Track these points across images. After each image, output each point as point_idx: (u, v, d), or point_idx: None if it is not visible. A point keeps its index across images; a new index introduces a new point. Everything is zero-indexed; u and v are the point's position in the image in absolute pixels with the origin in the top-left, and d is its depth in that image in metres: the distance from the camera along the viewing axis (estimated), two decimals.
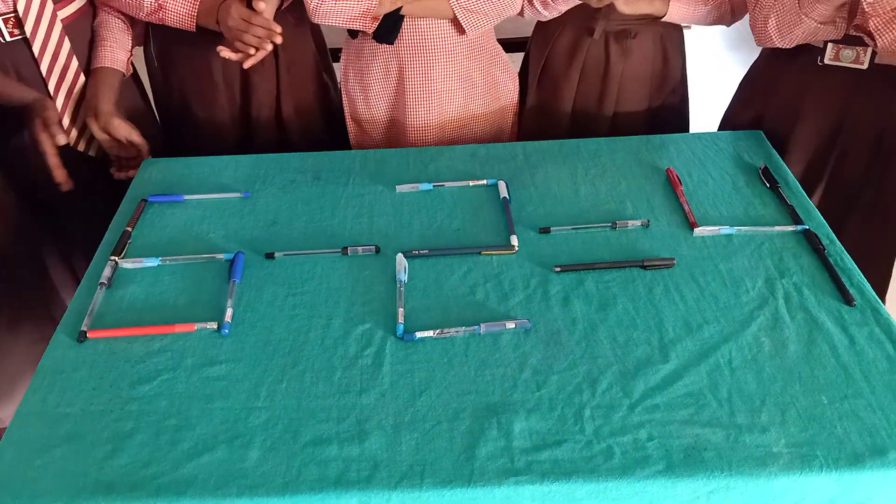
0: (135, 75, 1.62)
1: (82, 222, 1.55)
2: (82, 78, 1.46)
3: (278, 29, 1.47)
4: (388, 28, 1.41)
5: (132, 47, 1.54)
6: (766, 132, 1.46)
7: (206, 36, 1.46)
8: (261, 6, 1.49)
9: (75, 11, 1.44)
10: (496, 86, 1.58)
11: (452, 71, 1.51)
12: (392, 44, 1.44)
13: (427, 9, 1.42)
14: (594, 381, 0.99)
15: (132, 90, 1.59)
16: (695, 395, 0.96)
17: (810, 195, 1.35)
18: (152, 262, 1.19)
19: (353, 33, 1.50)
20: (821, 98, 1.39)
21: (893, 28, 1.19)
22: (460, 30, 1.47)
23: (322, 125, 1.67)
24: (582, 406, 0.96)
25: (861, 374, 0.98)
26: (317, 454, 0.91)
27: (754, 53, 1.54)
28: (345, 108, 1.60)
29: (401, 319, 1.07)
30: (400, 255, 1.16)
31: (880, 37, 1.21)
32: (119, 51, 1.48)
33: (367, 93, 1.56)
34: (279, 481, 0.88)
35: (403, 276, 1.13)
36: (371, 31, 1.43)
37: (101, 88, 1.44)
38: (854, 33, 1.28)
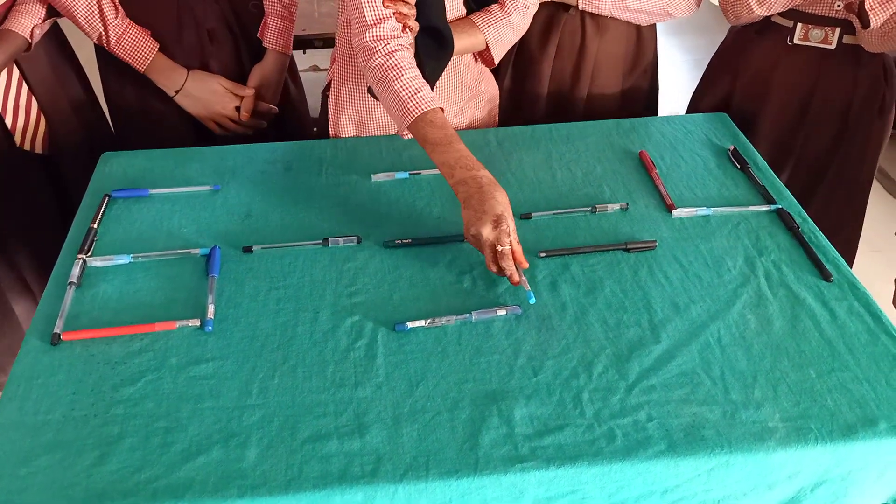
0: (72, 56, 1.55)
1: (19, 221, 1.49)
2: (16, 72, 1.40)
3: (269, 117, 1.55)
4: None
5: (46, 18, 1.44)
6: (734, 111, 1.49)
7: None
8: (248, 92, 1.53)
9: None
10: (487, 101, 1.53)
11: (459, 101, 1.45)
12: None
13: (460, 49, 1.33)
14: (589, 365, 0.99)
15: (73, 81, 1.52)
16: (689, 374, 0.98)
17: (778, 173, 1.38)
18: (123, 259, 1.14)
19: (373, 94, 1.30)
20: (789, 77, 1.43)
21: (889, 7, 1.20)
22: (486, 60, 1.42)
23: (279, 117, 1.63)
24: (580, 390, 0.96)
25: (845, 347, 1.01)
26: (317, 450, 0.89)
27: (716, 38, 1.57)
28: (330, 132, 1.49)
29: (527, 286, 1.06)
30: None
31: (875, 16, 1.22)
32: (26, 17, 1.40)
33: (366, 125, 1.46)
34: (281, 480, 0.86)
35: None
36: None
37: None
38: (841, 14, 1.30)
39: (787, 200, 1.26)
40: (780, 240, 1.19)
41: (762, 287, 1.10)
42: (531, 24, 1.48)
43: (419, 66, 1.23)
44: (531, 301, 1.05)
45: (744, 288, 1.10)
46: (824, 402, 0.94)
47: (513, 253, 1.07)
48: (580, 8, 1.46)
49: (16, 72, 1.44)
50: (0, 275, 1.55)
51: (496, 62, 1.41)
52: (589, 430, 0.91)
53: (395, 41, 1.19)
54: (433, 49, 1.28)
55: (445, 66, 1.31)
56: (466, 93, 1.45)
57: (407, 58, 1.18)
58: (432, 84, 1.29)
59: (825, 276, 1.11)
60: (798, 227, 1.20)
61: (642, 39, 1.55)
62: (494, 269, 1.08)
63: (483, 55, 1.42)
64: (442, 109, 1.16)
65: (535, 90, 1.58)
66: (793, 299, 1.08)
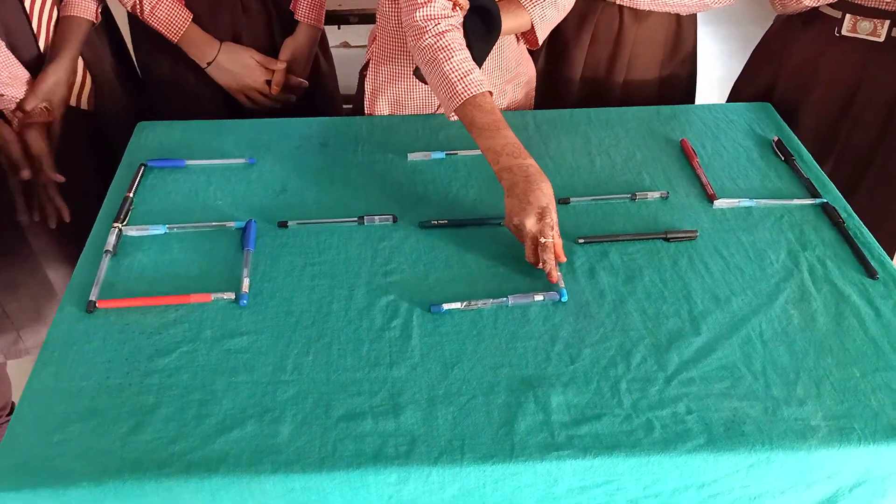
0: (111, 23, 1.54)
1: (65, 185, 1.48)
2: None
3: (299, 91, 1.54)
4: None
5: None
6: (777, 102, 1.46)
7: None
8: (280, 66, 1.51)
9: None
10: (526, 84, 1.51)
11: (489, 78, 1.39)
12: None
13: (507, 29, 1.30)
14: (628, 354, 0.97)
15: (105, 49, 1.51)
16: (729, 368, 0.96)
17: (821, 165, 1.35)
18: (159, 230, 1.13)
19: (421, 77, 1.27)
20: (834, 68, 1.39)
21: None
22: (531, 41, 1.40)
23: (309, 91, 1.62)
24: (618, 379, 0.94)
25: (890, 347, 0.99)
26: (351, 429, 0.88)
27: (758, 28, 1.53)
28: (365, 111, 1.46)
29: (561, 283, 1.05)
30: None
31: None
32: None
33: (404, 107, 1.44)
34: (315, 457, 0.85)
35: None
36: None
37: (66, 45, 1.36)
38: (892, 7, 1.26)
39: (832, 194, 1.24)
40: (825, 235, 1.16)
41: (805, 282, 1.08)
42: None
43: (467, 47, 1.21)
44: (563, 299, 1.04)
45: (786, 282, 1.08)
46: (868, 401, 0.92)
47: (555, 244, 1.05)
48: (616, 2, 1.43)
49: (55, 11, 1.42)
50: (35, 235, 1.54)
51: (540, 42, 1.39)
52: (627, 421, 0.90)
53: (446, 21, 1.17)
54: (480, 30, 1.25)
55: (492, 48, 1.29)
56: (506, 74, 1.43)
57: (458, 39, 1.16)
58: (479, 65, 1.26)
59: (870, 273, 1.09)
60: (843, 223, 1.17)
61: (682, 28, 1.52)
62: (533, 260, 1.06)
63: (527, 35, 1.40)
64: (491, 93, 1.14)
65: (569, 75, 1.55)
66: (837, 296, 1.06)
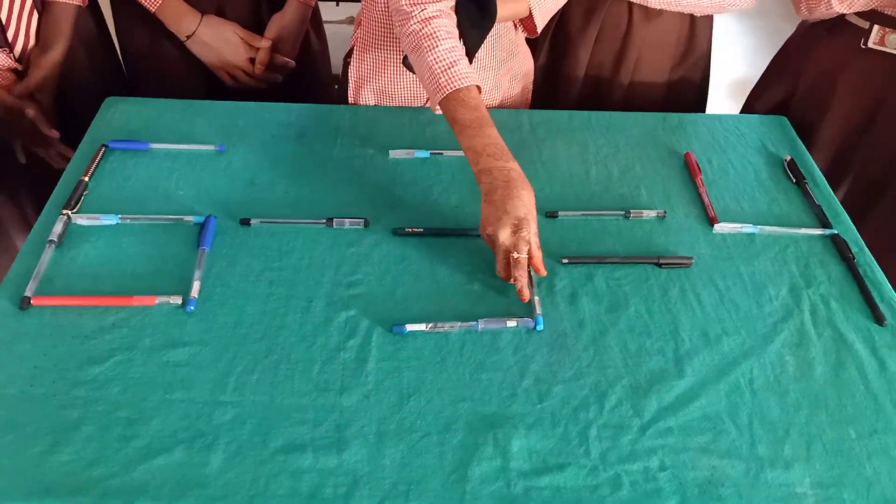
0: None
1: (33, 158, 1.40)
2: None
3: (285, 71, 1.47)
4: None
5: None
6: (793, 115, 1.35)
7: None
8: (264, 44, 1.42)
9: None
10: (523, 78, 1.41)
11: (494, 76, 1.33)
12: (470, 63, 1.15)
13: (504, 16, 1.21)
14: (602, 396, 0.89)
15: (85, 16, 1.42)
16: (712, 418, 0.87)
17: (834, 187, 1.25)
18: (110, 220, 1.05)
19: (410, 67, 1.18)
20: (857, 82, 1.29)
21: None
22: (529, 28, 1.30)
23: (297, 70, 1.52)
24: (588, 424, 0.86)
25: (892, 406, 0.90)
26: (289, 463, 0.80)
27: (772, 40, 1.42)
28: (349, 99, 1.37)
29: (538, 309, 0.96)
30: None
31: None
32: None
33: (391, 98, 1.34)
34: (244, 494, 0.77)
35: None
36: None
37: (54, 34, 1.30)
38: None
39: (844, 225, 1.14)
40: (832, 270, 1.06)
41: (806, 324, 0.99)
42: (573, 4, 1.35)
43: (460, 34, 1.11)
44: (539, 327, 0.95)
45: (785, 323, 0.98)
46: (862, 468, 0.83)
47: (531, 259, 0.96)
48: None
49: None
50: (4, 214, 1.47)
51: (539, 30, 1.28)
52: (592, 474, 0.81)
53: (434, 6, 1.07)
54: (475, 16, 1.15)
55: (486, 36, 1.19)
56: (500, 65, 1.33)
57: (445, 26, 1.07)
58: (472, 55, 1.17)
59: (878, 318, 0.99)
60: (853, 258, 1.07)
61: (696, 29, 1.40)
62: (504, 275, 0.98)
63: (525, 23, 1.29)
64: (479, 88, 1.04)
65: (572, 72, 1.45)
66: (839, 342, 0.97)
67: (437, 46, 1.04)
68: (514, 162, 0.99)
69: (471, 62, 1.16)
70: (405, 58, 1.17)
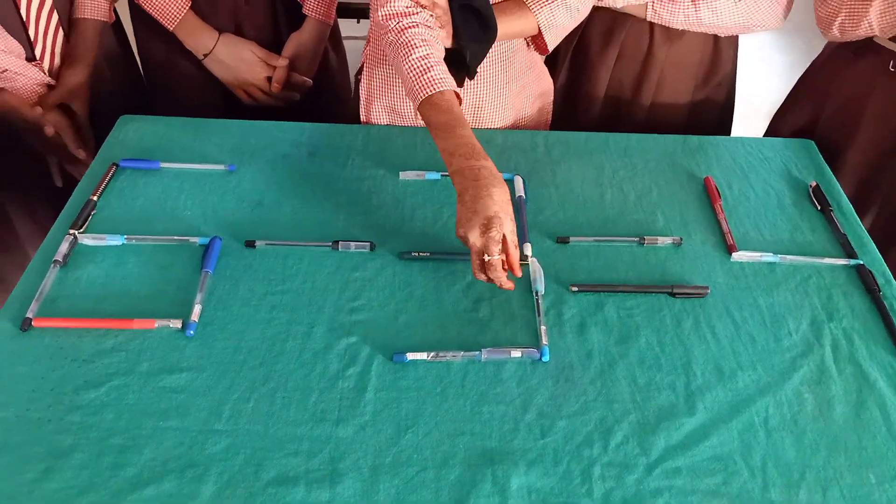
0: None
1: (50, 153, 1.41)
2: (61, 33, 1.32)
3: (303, 90, 1.46)
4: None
5: None
6: (819, 139, 1.31)
7: None
8: (281, 63, 1.42)
9: None
10: (538, 98, 1.38)
11: (504, 97, 1.30)
12: (472, 78, 1.19)
13: (510, 32, 1.19)
14: (608, 432, 0.85)
15: (108, 33, 1.43)
16: (724, 459, 0.83)
17: (859, 214, 1.20)
18: (116, 241, 1.05)
19: None
20: (885, 107, 1.24)
21: None
22: (540, 47, 1.27)
23: (316, 89, 1.51)
24: (592, 462, 0.82)
25: None
26: (280, 496, 0.78)
27: (808, 57, 1.38)
28: (361, 117, 1.36)
29: (544, 339, 0.94)
30: (534, 261, 1.03)
31: None
32: None
33: (401, 115, 1.33)
34: None
35: (540, 286, 1.00)
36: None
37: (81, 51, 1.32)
38: None
39: (871, 255, 1.09)
40: (856, 303, 1.02)
41: (826, 360, 0.94)
42: (593, 24, 1.32)
43: (459, 48, 1.10)
44: (544, 358, 0.92)
45: (804, 359, 0.94)
46: None
47: (507, 257, 0.94)
48: (648, 20, 1.29)
49: (55, 17, 1.36)
50: (22, 225, 1.48)
51: (550, 49, 1.26)
52: None
53: (409, 18, 1.07)
54: (475, 30, 1.13)
55: (488, 50, 1.17)
56: (513, 83, 1.30)
57: (419, 35, 1.06)
58: (474, 69, 1.15)
59: None
60: (879, 290, 1.03)
61: (720, 49, 1.37)
62: (483, 277, 0.95)
63: (536, 41, 1.27)
64: (457, 93, 1.04)
65: (591, 93, 1.42)
66: (861, 380, 0.92)
67: (411, 55, 1.04)
68: (485, 160, 0.98)
69: (472, 77, 1.15)
70: None
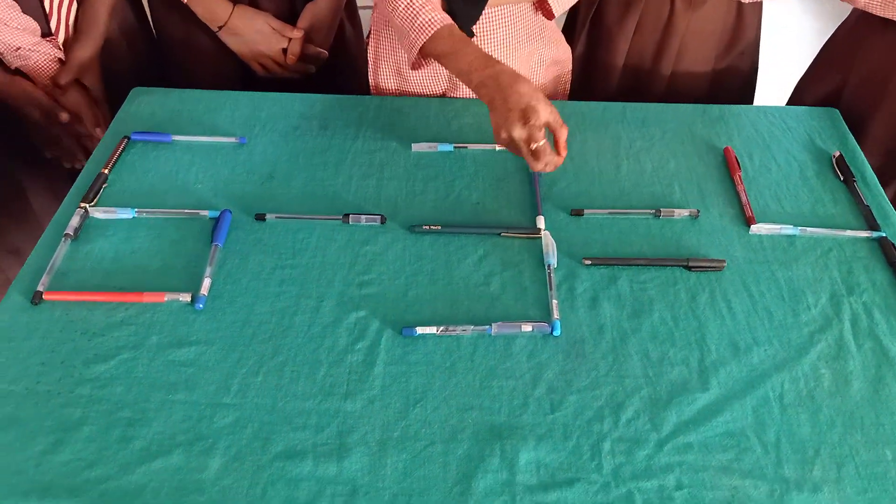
0: None
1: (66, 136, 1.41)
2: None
3: (318, 62, 1.44)
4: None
5: None
6: (843, 109, 1.27)
7: None
8: (297, 34, 1.39)
9: None
10: (552, 64, 1.35)
11: (513, 57, 1.27)
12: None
13: None
14: (618, 407, 0.84)
15: (125, 8, 1.42)
16: (736, 435, 0.82)
17: (885, 187, 1.17)
18: (126, 214, 1.04)
19: None
20: None
21: None
22: (546, 11, 1.24)
23: (331, 61, 1.50)
24: (601, 437, 0.81)
25: None
26: (288, 470, 0.78)
27: (836, 23, 1.33)
28: (370, 80, 1.36)
29: (556, 314, 0.93)
30: (547, 234, 1.02)
31: None
32: None
33: (406, 78, 1.32)
34: (241, 500, 0.76)
35: (553, 259, 0.99)
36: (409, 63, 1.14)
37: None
38: None
39: (894, 228, 1.06)
40: (877, 276, 0.99)
41: (845, 334, 0.92)
42: None
43: (451, 8, 1.11)
44: (556, 333, 0.91)
45: (822, 333, 0.92)
46: None
47: (557, 138, 0.99)
48: None
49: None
50: (36, 197, 1.49)
51: (555, 13, 1.23)
52: (603, 491, 0.77)
53: None
54: None
55: (480, 11, 1.15)
56: (522, 48, 1.27)
57: None
58: (467, 30, 1.14)
59: None
60: None
61: (743, 16, 1.32)
62: (540, 167, 0.98)
63: (542, 6, 1.24)
64: (450, 27, 1.05)
65: (610, 62, 1.38)
66: (880, 355, 0.90)
67: (397, 8, 1.06)
68: (501, 65, 1.00)
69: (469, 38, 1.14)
70: None
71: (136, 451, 0.79)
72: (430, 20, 1.04)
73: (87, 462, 0.78)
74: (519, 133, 0.95)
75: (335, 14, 1.46)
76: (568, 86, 1.41)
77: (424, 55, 1.07)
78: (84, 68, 1.30)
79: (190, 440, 0.80)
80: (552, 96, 1.37)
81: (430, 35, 1.03)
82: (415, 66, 1.11)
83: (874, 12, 1.16)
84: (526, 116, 0.94)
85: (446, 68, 1.05)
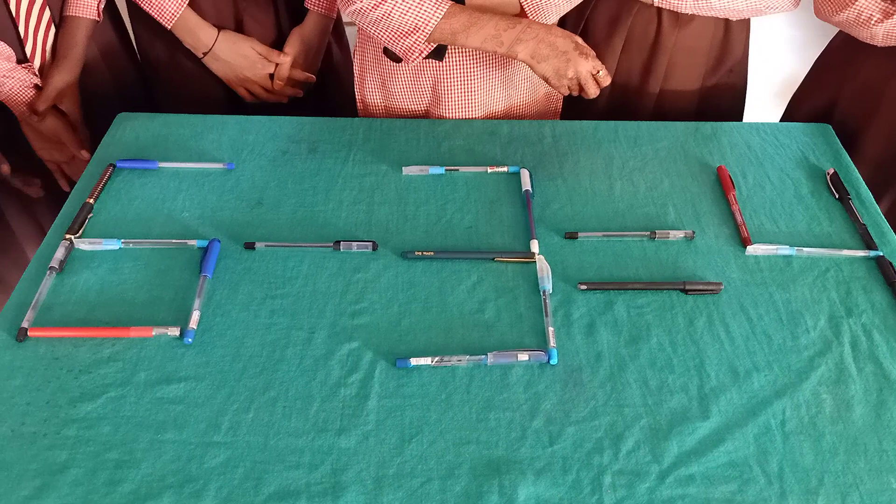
0: (112, 6, 1.43)
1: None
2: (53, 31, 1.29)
3: (306, 86, 1.44)
4: (438, 47, 1.15)
5: None
6: (836, 124, 1.26)
7: None
8: (283, 59, 1.38)
9: None
10: (540, 82, 1.34)
11: (494, 73, 1.26)
12: (441, 59, 1.19)
13: (487, 4, 1.15)
14: (618, 438, 0.83)
15: (107, 30, 1.40)
16: (739, 465, 0.80)
17: (879, 201, 1.16)
18: (112, 245, 1.02)
19: (393, 54, 1.21)
20: None
21: None
22: None
23: (320, 84, 1.48)
24: (602, 470, 0.80)
25: None
26: None
27: (823, 32, 1.32)
28: (356, 95, 1.36)
29: (552, 341, 0.91)
30: (542, 259, 1.01)
31: None
32: None
33: (390, 91, 1.31)
34: None
35: (548, 285, 0.97)
36: (412, 61, 1.15)
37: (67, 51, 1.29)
38: None
39: (891, 246, 1.05)
40: (876, 297, 0.98)
41: (845, 358, 0.91)
42: (598, 11, 1.28)
43: None
44: (552, 361, 0.89)
45: (822, 357, 0.91)
46: None
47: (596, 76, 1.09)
48: (656, 5, 1.24)
49: (47, 13, 1.33)
50: (19, 227, 1.46)
51: None
52: None
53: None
54: None
55: None
56: (507, 67, 1.26)
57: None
58: (442, 51, 1.17)
59: None
60: None
61: (731, 34, 1.31)
62: (596, 91, 1.09)
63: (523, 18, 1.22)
64: (455, 4, 1.09)
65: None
66: (881, 379, 0.89)
67: (389, 11, 1.08)
68: (525, 18, 1.08)
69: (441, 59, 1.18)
70: (384, 48, 1.19)
71: (124, 495, 0.77)
72: (437, 3, 1.07)
73: None
74: (585, 66, 1.04)
75: (322, 37, 1.44)
76: (560, 105, 1.39)
77: (434, 39, 1.09)
78: (62, 94, 1.29)
79: (180, 482, 0.78)
80: (543, 116, 1.36)
81: (443, 13, 1.06)
82: (413, 57, 1.12)
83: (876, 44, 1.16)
84: (581, 50, 1.03)
85: (466, 45, 1.08)
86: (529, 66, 1.08)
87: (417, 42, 1.07)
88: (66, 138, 1.30)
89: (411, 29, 1.06)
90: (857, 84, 1.24)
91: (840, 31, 1.29)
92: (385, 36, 1.12)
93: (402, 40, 1.10)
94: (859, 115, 1.25)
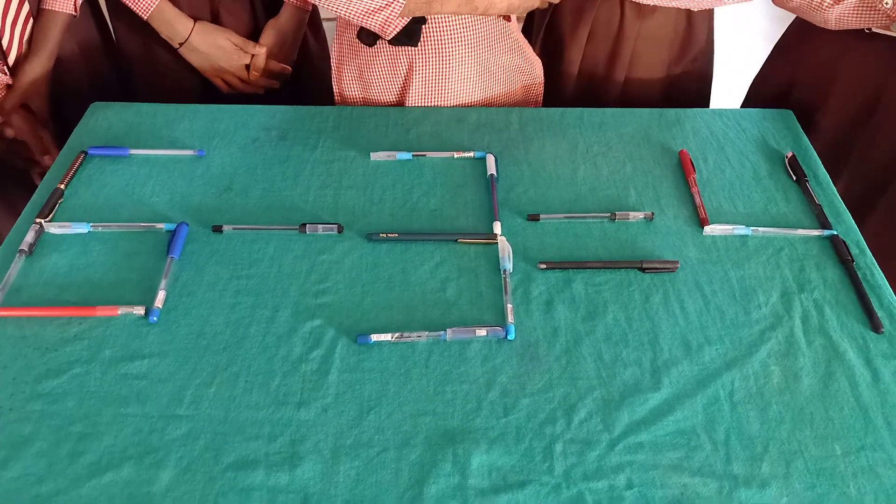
0: (93, 1, 1.45)
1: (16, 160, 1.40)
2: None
3: (282, 77, 1.45)
4: (411, 30, 1.16)
5: None
6: (793, 105, 1.29)
7: None
8: (259, 50, 1.39)
9: None
10: (518, 73, 1.36)
11: (470, 63, 1.28)
12: (416, 45, 1.20)
13: None
14: (571, 409, 0.85)
15: (86, 23, 1.41)
16: (687, 433, 0.83)
17: (835, 181, 1.18)
18: (82, 228, 1.04)
19: (367, 37, 1.20)
20: (859, 69, 1.22)
21: None
22: (504, 16, 1.26)
23: (296, 76, 1.50)
24: (554, 439, 0.82)
25: (883, 420, 0.84)
26: (239, 480, 0.78)
27: (790, 18, 1.35)
28: (334, 88, 1.37)
29: (510, 318, 0.93)
30: (503, 240, 1.03)
31: None
32: None
33: (368, 82, 1.33)
34: None
35: (508, 264, 0.99)
36: (389, 35, 1.15)
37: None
38: None
39: (846, 225, 1.07)
40: (828, 274, 1.00)
41: (796, 332, 0.93)
42: (564, 2, 1.30)
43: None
44: (510, 336, 0.91)
45: (773, 331, 0.93)
46: (846, 487, 0.78)
47: None
48: None
49: (26, 7, 1.34)
50: None
51: (512, 16, 1.25)
52: (554, 492, 0.77)
53: None
54: None
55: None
56: (482, 55, 1.28)
57: None
58: (416, 38, 1.17)
59: (875, 325, 0.93)
60: (852, 261, 1.01)
61: (693, 24, 1.34)
62: None
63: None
64: None
65: (566, 72, 1.40)
66: (830, 351, 0.91)
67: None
68: None
69: (415, 43, 1.19)
70: (359, 31, 1.19)
71: (86, 466, 0.79)
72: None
73: (37, 477, 0.77)
74: None
75: (298, 29, 1.46)
76: (540, 99, 1.41)
77: (410, 11, 1.11)
78: (31, 90, 1.30)
79: (141, 453, 0.80)
80: (524, 104, 1.38)
81: (401, 8, 1.07)
82: (390, 30, 1.14)
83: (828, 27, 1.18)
84: None
85: (441, 11, 1.12)
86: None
87: (392, 13, 1.08)
88: (31, 141, 1.31)
89: (386, 2, 1.07)
90: (812, 66, 1.27)
91: (795, 18, 1.32)
92: (359, 12, 1.11)
93: (377, 14, 1.10)
94: (815, 97, 1.27)
